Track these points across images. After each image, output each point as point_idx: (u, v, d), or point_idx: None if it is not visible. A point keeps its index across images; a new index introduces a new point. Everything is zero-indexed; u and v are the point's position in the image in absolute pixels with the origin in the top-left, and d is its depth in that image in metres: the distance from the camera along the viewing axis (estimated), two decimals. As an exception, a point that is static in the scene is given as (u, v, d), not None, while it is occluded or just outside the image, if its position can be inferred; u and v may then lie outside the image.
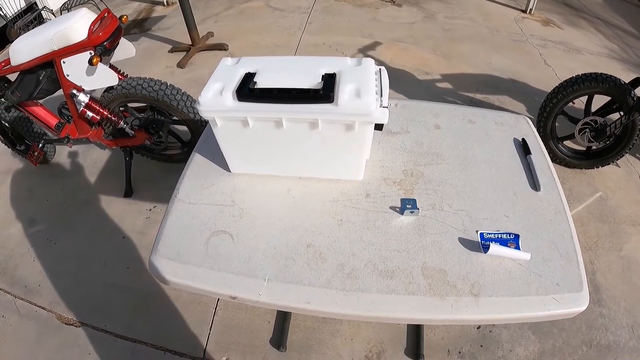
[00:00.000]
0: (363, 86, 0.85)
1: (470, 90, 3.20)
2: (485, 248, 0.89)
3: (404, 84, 3.25)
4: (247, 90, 0.85)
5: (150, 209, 2.33)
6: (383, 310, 0.84)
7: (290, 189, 1.02)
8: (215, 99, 0.87)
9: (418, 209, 0.96)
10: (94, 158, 2.70)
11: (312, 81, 0.87)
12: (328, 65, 0.92)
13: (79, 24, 1.81)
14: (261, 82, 0.87)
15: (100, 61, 1.88)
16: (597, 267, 2.10)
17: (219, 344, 1.76)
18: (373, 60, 0.94)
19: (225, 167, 1.06)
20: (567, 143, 2.53)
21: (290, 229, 0.94)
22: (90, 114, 2.04)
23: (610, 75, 2.18)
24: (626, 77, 2.26)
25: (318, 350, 1.74)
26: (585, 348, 1.82)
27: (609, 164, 2.45)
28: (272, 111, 0.85)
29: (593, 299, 1.97)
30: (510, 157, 1.12)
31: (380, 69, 0.96)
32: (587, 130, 2.33)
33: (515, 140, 1.18)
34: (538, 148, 1.16)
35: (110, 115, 2.09)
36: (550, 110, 2.33)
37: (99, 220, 2.30)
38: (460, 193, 1.02)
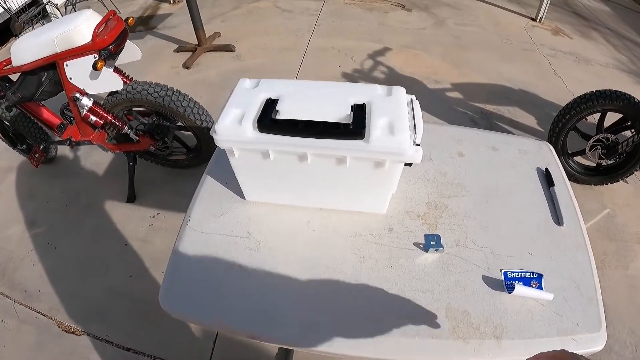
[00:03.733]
0: (396, 121, 0.80)
1: (480, 100, 3.17)
2: (510, 288, 0.86)
3: (415, 93, 3.15)
4: (270, 121, 0.80)
5: (154, 216, 2.29)
6: (406, 354, 0.81)
7: (310, 221, 0.98)
8: (233, 127, 0.81)
9: (442, 246, 0.93)
10: (97, 160, 2.65)
11: (340, 112, 0.81)
12: (357, 93, 0.87)
13: (83, 26, 1.76)
14: (284, 111, 0.82)
15: (105, 65, 1.83)
16: (603, 285, 2.02)
17: (223, 358, 1.73)
18: (404, 90, 0.90)
19: (240, 193, 1.01)
20: (577, 159, 2.51)
21: (311, 266, 0.90)
22: (93, 118, 1.99)
23: (625, 93, 2.15)
24: (636, 89, 2.25)
25: None
26: None
27: (618, 180, 2.43)
28: (297, 145, 0.80)
29: (598, 319, 1.96)
30: (534, 188, 1.09)
31: (412, 99, 0.92)
32: (599, 147, 2.30)
33: (538, 169, 1.14)
34: (561, 178, 1.12)
35: (114, 119, 2.05)
36: (562, 127, 2.31)
37: (100, 225, 2.26)
38: (485, 228, 0.98)
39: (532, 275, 0.90)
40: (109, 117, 2.03)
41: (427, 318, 0.83)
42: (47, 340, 1.81)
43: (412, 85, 3.30)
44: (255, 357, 1.73)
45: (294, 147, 0.81)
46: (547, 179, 1.12)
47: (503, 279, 0.89)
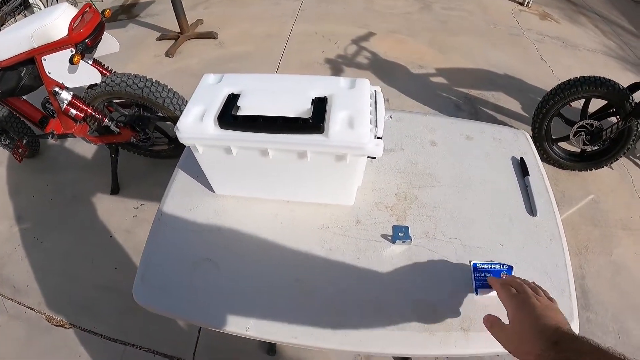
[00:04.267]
0: (357, 115, 0.78)
1: (465, 85, 3.15)
2: (477, 289, 0.86)
3: (398, 78, 3.20)
4: (230, 117, 0.79)
5: (137, 207, 2.29)
6: (371, 346, 0.81)
7: (278, 214, 0.97)
8: (195, 124, 0.80)
9: (410, 237, 0.92)
10: (80, 153, 2.64)
11: (302, 106, 0.80)
12: (319, 86, 0.85)
13: (59, 21, 1.74)
14: (245, 106, 0.81)
15: (83, 59, 1.82)
16: (586, 271, 2.10)
17: (208, 347, 1.75)
18: (368, 81, 0.88)
19: (210, 186, 1.00)
20: (562, 144, 2.51)
21: (278, 260, 0.89)
22: (73, 111, 1.98)
23: (609, 80, 2.14)
24: (623, 76, 2.25)
25: (307, 355, 1.74)
26: None
27: (603, 167, 2.44)
28: (257, 141, 0.79)
29: (581, 304, 1.98)
30: (508, 178, 1.08)
31: (375, 91, 0.90)
32: (583, 133, 2.31)
33: (513, 159, 1.14)
34: (536, 168, 1.12)
35: (94, 112, 2.03)
36: (546, 112, 2.30)
37: (86, 218, 2.26)
38: (455, 219, 0.97)
39: (503, 267, 0.89)
40: (89, 110, 2.02)
41: (393, 310, 0.83)
42: (36, 335, 1.83)
43: (396, 71, 3.28)
44: (241, 346, 1.74)
45: (255, 143, 0.80)
46: (522, 168, 1.11)
47: (472, 271, 0.89)
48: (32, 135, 2.40)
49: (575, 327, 0.83)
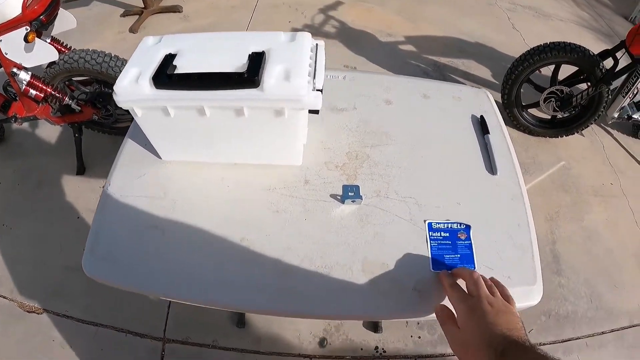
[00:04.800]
0: (294, 67, 0.75)
1: (435, 53, 3.13)
2: (435, 264, 0.83)
3: (366, 47, 3.15)
4: (165, 77, 0.75)
5: (104, 186, 2.22)
6: (319, 309, 0.78)
7: (225, 177, 0.93)
8: (131, 86, 0.76)
9: (361, 197, 0.89)
10: (46, 135, 2.55)
11: (239, 62, 0.76)
12: (259, 42, 0.81)
13: (11, -1, 1.66)
14: (182, 65, 0.77)
15: (39, 36, 1.77)
16: (557, 237, 2.12)
17: (178, 322, 1.74)
18: (309, 35, 0.84)
19: (158, 154, 0.96)
20: (532, 111, 2.51)
21: (224, 222, 0.86)
22: (33, 92, 1.92)
23: (579, 46, 2.13)
24: (595, 46, 2.24)
25: (277, 326, 1.73)
26: (543, 318, 1.86)
27: (574, 133, 2.45)
28: (193, 99, 0.76)
29: (552, 269, 2.00)
30: (466, 136, 1.06)
31: (317, 44, 0.87)
32: (553, 99, 2.31)
33: (473, 117, 1.11)
34: (498, 126, 1.10)
35: (54, 91, 1.96)
36: (515, 78, 2.29)
37: (53, 202, 2.20)
38: (409, 178, 0.95)
39: (460, 226, 0.88)
40: (49, 90, 1.95)
41: (342, 272, 0.80)
42: (11, 323, 1.79)
43: (364, 40, 3.24)
44: (210, 319, 1.74)
45: (190, 102, 0.76)
46: (481, 126, 1.09)
47: (427, 230, 0.87)
48: (-6, 121, 2.32)
49: (539, 289, 0.82)
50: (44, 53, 1.87)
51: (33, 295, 1.87)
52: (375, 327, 1.71)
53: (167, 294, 0.80)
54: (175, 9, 3.48)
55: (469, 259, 0.84)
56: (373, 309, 0.78)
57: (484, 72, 2.99)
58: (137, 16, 3.39)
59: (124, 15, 3.47)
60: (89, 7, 3.63)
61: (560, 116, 2.43)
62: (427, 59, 3.07)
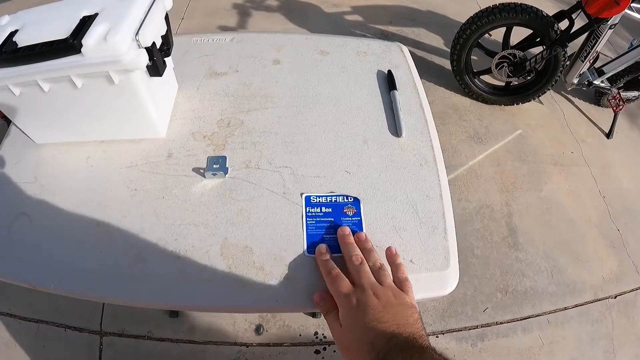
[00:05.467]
0: (115, 24, 0.62)
1: (383, 22, 2.96)
2: (310, 249, 0.66)
3: (310, 18, 2.96)
4: None
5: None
6: (177, 299, 0.64)
7: (90, 156, 0.79)
8: None
9: (227, 169, 0.73)
10: None
11: (70, 28, 0.64)
12: (97, 3, 0.68)
13: None
14: (22, 40, 0.66)
15: None
16: (513, 209, 2.00)
17: (114, 316, 1.66)
18: None
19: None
20: (485, 78, 2.36)
21: (83, 205, 0.72)
22: None
23: (531, 6, 1.98)
24: (553, 10, 2.08)
25: (211, 314, 1.64)
26: (499, 295, 1.75)
27: (530, 100, 2.31)
28: (23, 74, 0.65)
29: (508, 243, 1.89)
30: (368, 94, 0.89)
31: None
32: (505, 64, 2.16)
33: (379, 72, 0.94)
34: (410, 82, 0.93)
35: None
36: (464, 42, 2.13)
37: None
38: (288, 144, 0.78)
39: (347, 199, 0.72)
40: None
41: (198, 256, 0.66)
42: None
43: (308, 11, 3.04)
44: (142, 311, 1.66)
45: (23, 77, 0.66)
46: (388, 82, 0.93)
47: (303, 206, 0.70)
48: None
49: (453, 275, 0.66)
50: None
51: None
52: (313, 312, 1.58)
53: (33, 283, 0.66)
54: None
55: (357, 239, 0.67)
56: (232, 299, 0.63)
57: (436, 41, 2.83)
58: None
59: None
60: None
61: (516, 82, 2.29)
62: (374, 29, 2.91)
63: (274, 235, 0.67)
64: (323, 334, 1.60)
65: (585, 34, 2.00)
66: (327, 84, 0.90)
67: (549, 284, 1.79)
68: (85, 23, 0.65)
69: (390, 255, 0.63)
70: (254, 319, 1.62)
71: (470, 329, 1.65)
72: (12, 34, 0.67)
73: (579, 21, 1.97)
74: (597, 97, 2.52)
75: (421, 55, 2.72)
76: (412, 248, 0.67)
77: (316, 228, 0.68)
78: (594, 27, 1.95)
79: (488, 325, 1.67)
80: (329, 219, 0.69)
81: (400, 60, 0.99)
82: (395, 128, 0.84)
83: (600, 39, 1.99)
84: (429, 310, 1.66)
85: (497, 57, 2.16)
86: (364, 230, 0.68)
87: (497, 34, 2.24)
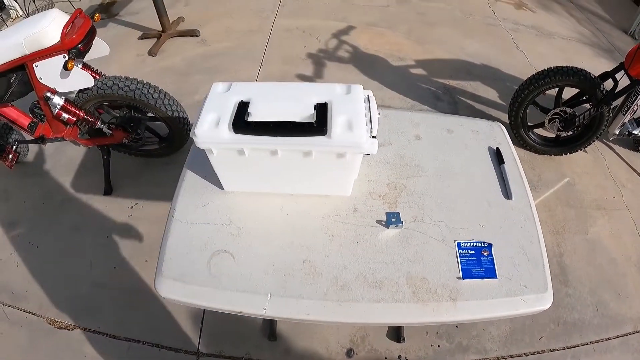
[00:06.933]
0: (354, 118, 0.91)
1: (443, 76, 3.24)
2: (464, 275, 0.98)
3: (379, 71, 3.27)
4: (243, 123, 0.90)
5: (132, 207, 2.33)
6: (373, 317, 0.93)
7: (283, 207, 1.09)
8: (211, 131, 0.91)
9: (402, 222, 1.04)
10: (70, 155, 2.63)
11: (305, 111, 0.92)
12: (319, 93, 0.97)
13: (51, 27, 1.76)
14: (255, 112, 0.92)
15: (75, 64, 1.84)
16: (563, 249, 2.21)
17: (211, 336, 1.81)
18: (361, 87, 1.00)
19: (219, 184, 1.10)
20: (538, 131, 2.62)
21: (287, 246, 1.01)
22: (65, 115, 2.00)
23: (581, 69, 2.25)
24: (596, 62, 2.33)
25: (306, 338, 1.81)
26: (552, 325, 1.94)
27: (577, 151, 2.56)
28: (269, 143, 0.91)
29: (560, 280, 2.08)
30: (485, 166, 1.20)
31: (368, 95, 1.01)
32: (557, 120, 2.42)
33: (490, 149, 1.25)
34: (511, 156, 1.24)
35: (87, 116, 2.06)
36: (522, 101, 2.42)
37: (80, 220, 2.28)
38: (440, 204, 1.09)
39: (483, 244, 1.02)
40: (81, 114, 2.04)
41: (390, 285, 0.94)
42: (39, 339, 1.84)
43: (376, 63, 3.35)
44: (243, 332, 1.82)
45: (267, 145, 0.92)
46: (497, 157, 1.22)
47: (457, 249, 1.00)
48: (21, 141, 2.41)
49: (549, 296, 0.96)
50: (80, 80, 1.95)
51: (63, 311, 1.92)
52: (398, 337, 1.81)
53: (238, 309, 0.93)
54: (193, 33, 3.58)
55: (491, 271, 0.99)
56: (416, 316, 0.93)
57: (491, 94, 3.10)
58: (154, 39, 3.49)
59: (141, 38, 3.58)
60: (106, 29, 3.74)
61: (564, 135, 2.54)
62: (436, 82, 3.19)
63: (440, 269, 0.98)
64: (406, 357, 1.80)
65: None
66: (457, 158, 1.22)
67: (594, 316, 1.99)
68: (321, 110, 0.92)
69: None
70: (346, 342, 1.82)
71: (528, 355, 1.87)
72: (243, 104, 0.94)
73: (622, 80, 2.22)
74: (635, 144, 2.76)
75: (480, 109, 2.98)
76: (524, 277, 0.98)
77: (467, 264, 1.00)
78: (635, 87, 2.22)
79: (543, 352, 1.88)
80: (473, 258, 1.01)
81: (501, 138, 1.31)
82: (506, 193, 1.14)
83: (640, 95, 2.24)
84: (493, 337, 1.89)
85: (550, 113, 2.42)
86: (495, 264, 1.00)
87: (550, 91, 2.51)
